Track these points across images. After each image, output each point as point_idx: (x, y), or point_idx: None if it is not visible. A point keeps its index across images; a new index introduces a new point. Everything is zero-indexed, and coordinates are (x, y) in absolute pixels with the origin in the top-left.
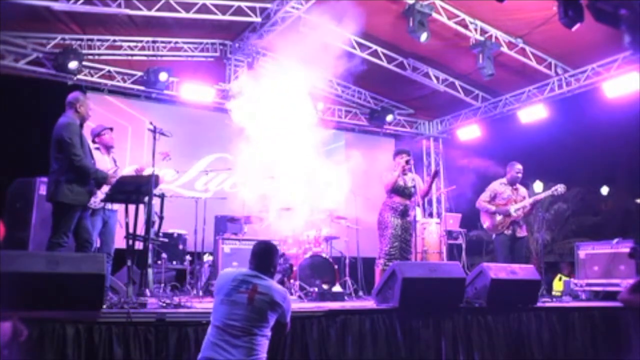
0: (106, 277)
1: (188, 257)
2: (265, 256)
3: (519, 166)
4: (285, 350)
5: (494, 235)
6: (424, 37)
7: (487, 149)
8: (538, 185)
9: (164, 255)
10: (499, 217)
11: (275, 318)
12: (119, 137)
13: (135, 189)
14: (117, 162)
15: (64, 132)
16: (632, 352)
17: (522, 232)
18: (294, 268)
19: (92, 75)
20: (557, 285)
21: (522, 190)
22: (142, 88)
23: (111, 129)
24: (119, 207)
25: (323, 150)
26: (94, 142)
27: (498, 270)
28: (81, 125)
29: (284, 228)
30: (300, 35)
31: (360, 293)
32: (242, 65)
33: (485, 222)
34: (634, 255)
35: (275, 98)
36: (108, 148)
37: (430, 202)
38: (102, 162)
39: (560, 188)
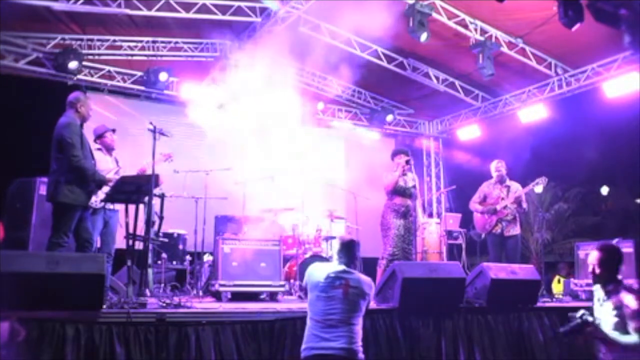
0: (106, 277)
1: (188, 257)
2: (350, 251)
3: (498, 163)
4: (284, 350)
5: (483, 235)
6: (424, 37)
7: (487, 149)
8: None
9: (164, 255)
10: (486, 217)
11: (365, 306)
12: (118, 137)
13: (136, 189)
14: (118, 162)
15: (65, 132)
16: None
17: (511, 231)
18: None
19: (92, 75)
20: (557, 287)
21: (514, 186)
22: (142, 88)
23: (113, 131)
24: (120, 207)
25: (323, 151)
26: (95, 142)
27: (498, 270)
28: (81, 125)
29: (284, 228)
30: (300, 35)
31: None
32: (242, 65)
33: (476, 223)
34: None
35: (273, 98)
36: (109, 150)
37: (430, 202)
38: (104, 162)
39: (541, 181)
